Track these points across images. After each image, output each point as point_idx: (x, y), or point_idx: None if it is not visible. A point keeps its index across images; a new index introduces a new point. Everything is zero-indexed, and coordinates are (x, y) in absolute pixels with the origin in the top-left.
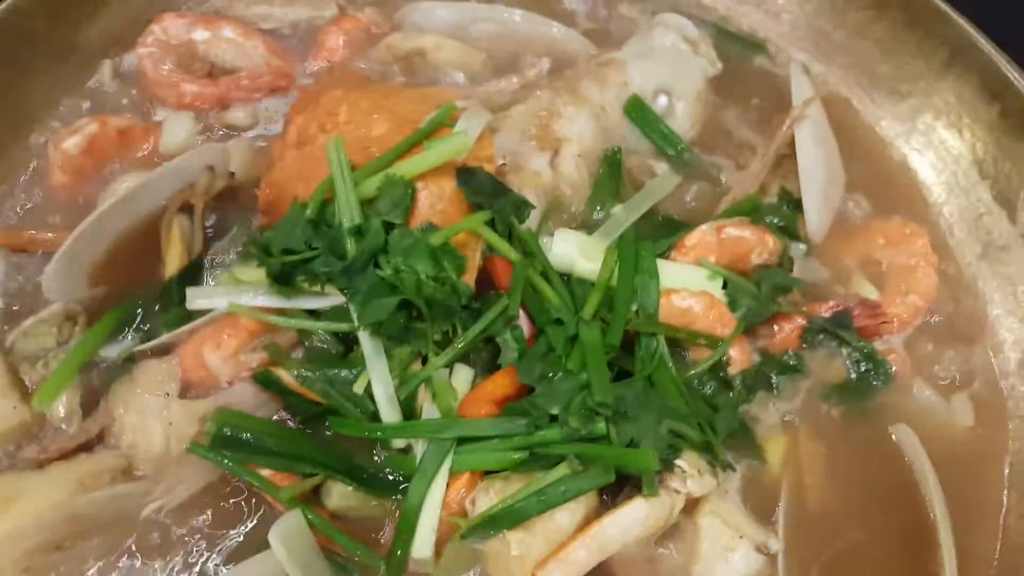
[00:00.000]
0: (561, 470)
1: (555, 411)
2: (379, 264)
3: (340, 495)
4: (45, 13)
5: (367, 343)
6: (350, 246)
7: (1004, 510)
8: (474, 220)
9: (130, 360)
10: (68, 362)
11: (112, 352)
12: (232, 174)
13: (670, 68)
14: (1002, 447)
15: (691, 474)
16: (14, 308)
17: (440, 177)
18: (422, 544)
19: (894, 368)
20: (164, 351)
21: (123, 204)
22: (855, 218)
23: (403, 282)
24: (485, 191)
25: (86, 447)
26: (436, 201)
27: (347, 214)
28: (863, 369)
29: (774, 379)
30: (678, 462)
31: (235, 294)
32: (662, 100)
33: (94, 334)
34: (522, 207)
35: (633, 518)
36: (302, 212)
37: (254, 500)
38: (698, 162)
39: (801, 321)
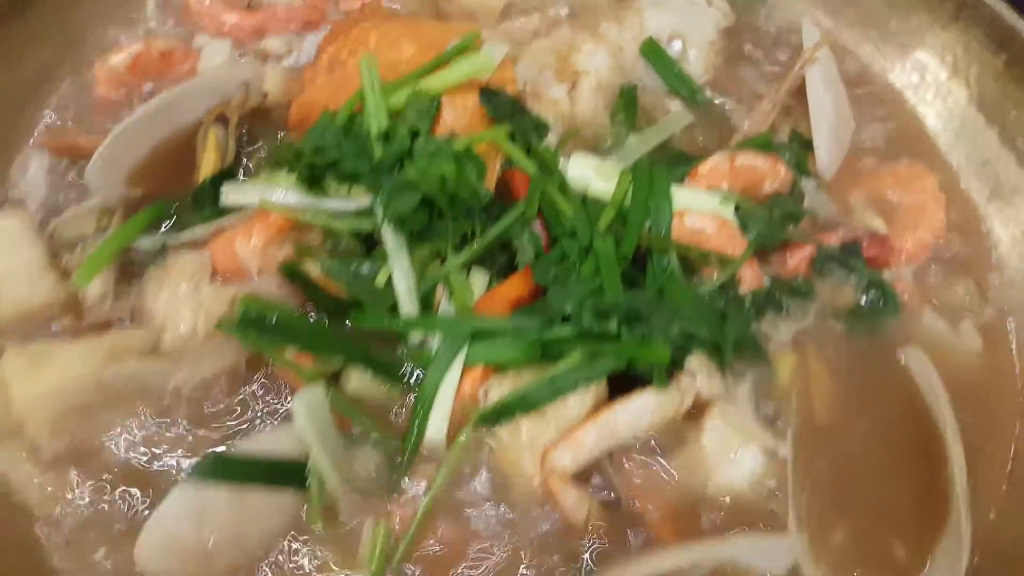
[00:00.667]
0: (573, 359)
1: (568, 310)
2: (404, 168)
3: (359, 381)
4: None
5: (390, 237)
6: (377, 150)
7: (1017, 431)
8: (495, 132)
9: (164, 251)
10: (107, 245)
11: (147, 243)
12: (265, 94)
13: (684, 17)
14: (1010, 373)
15: (700, 373)
16: (56, 204)
17: (464, 94)
18: (435, 429)
19: (903, 296)
20: (196, 246)
21: (162, 110)
22: (864, 162)
23: (426, 178)
24: (506, 110)
25: (118, 325)
26: (460, 115)
27: (375, 121)
28: (872, 297)
29: (784, 302)
30: (688, 362)
31: (267, 191)
32: (676, 45)
33: (132, 224)
34: (541, 127)
35: (642, 406)
36: (332, 120)
37: (275, 384)
38: (710, 104)
39: (811, 249)
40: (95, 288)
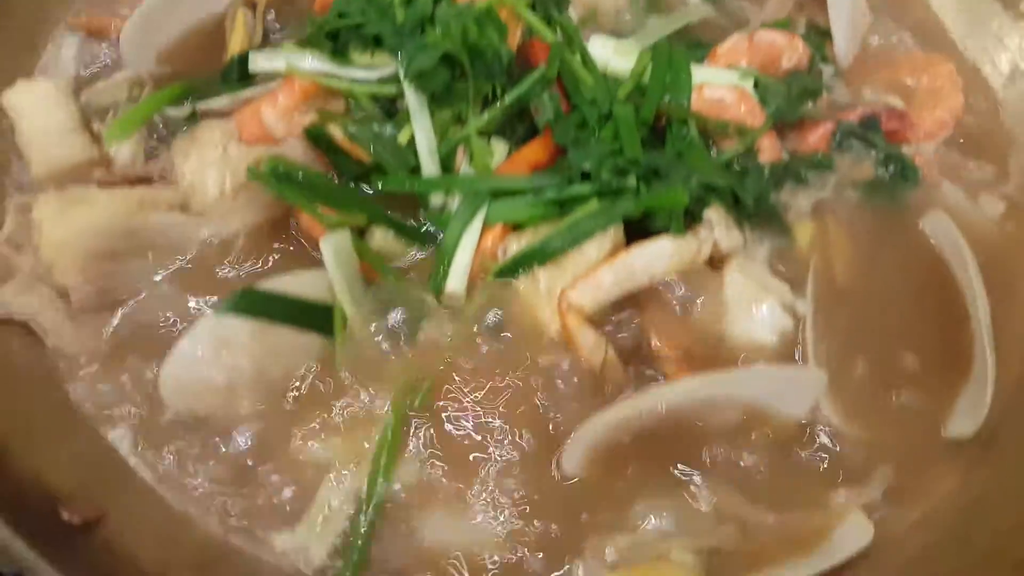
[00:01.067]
0: (590, 206)
1: (587, 168)
2: (426, 31)
3: (382, 238)
4: None
5: (412, 97)
6: (400, 13)
7: None
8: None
9: (192, 118)
10: (139, 108)
11: (177, 111)
12: None
13: None
14: None
15: (718, 224)
16: (88, 80)
17: None
18: (455, 280)
19: (922, 170)
20: (224, 115)
21: None
22: (882, 52)
23: (448, 36)
24: None
25: (147, 182)
26: None
27: None
28: (891, 170)
29: (803, 174)
30: (706, 213)
31: (293, 58)
32: None
33: (164, 93)
34: (561, 1)
35: (660, 250)
36: None
37: (300, 241)
38: (730, 3)
39: (830, 125)
40: (125, 150)
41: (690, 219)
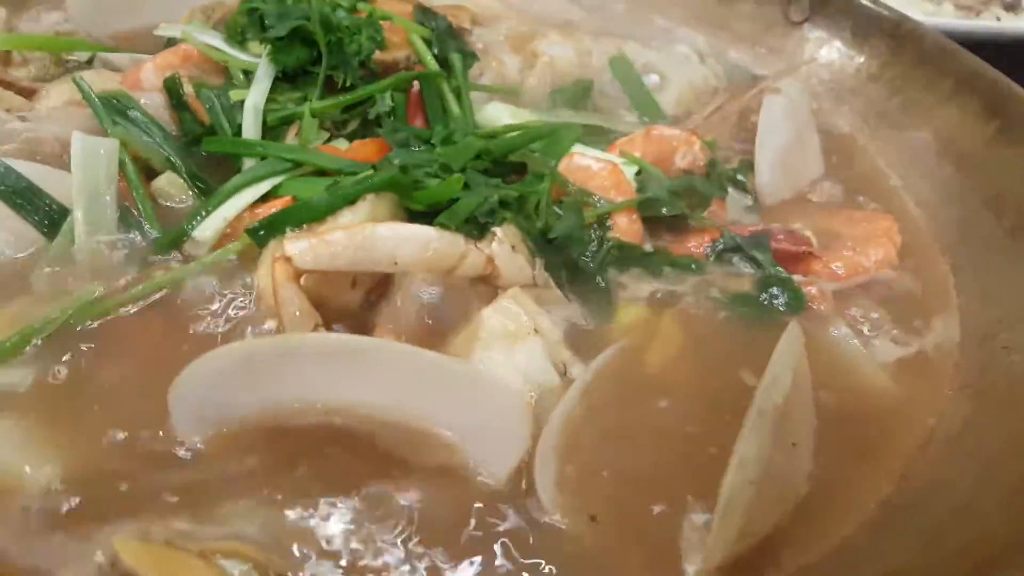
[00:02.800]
0: (364, 174)
1: (400, 163)
2: None
3: (168, 181)
4: None
5: (263, 64)
6: (291, 5)
7: (901, 473)
8: (409, 24)
9: (90, 64)
10: (41, 39)
11: (80, 58)
12: None
13: (669, 60)
14: (929, 407)
15: (503, 241)
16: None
17: (400, 3)
18: (208, 227)
19: (812, 303)
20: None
21: None
22: (821, 204)
23: (312, 9)
24: (439, 28)
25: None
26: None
27: None
28: (772, 292)
29: (660, 268)
30: (496, 228)
31: (191, 29)
32: (652, 78)
33: (66, 40)
34: (468, 56)
35: (414, 235)
36: None
37: None
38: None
39: (713, 233)
40: (21, 72)
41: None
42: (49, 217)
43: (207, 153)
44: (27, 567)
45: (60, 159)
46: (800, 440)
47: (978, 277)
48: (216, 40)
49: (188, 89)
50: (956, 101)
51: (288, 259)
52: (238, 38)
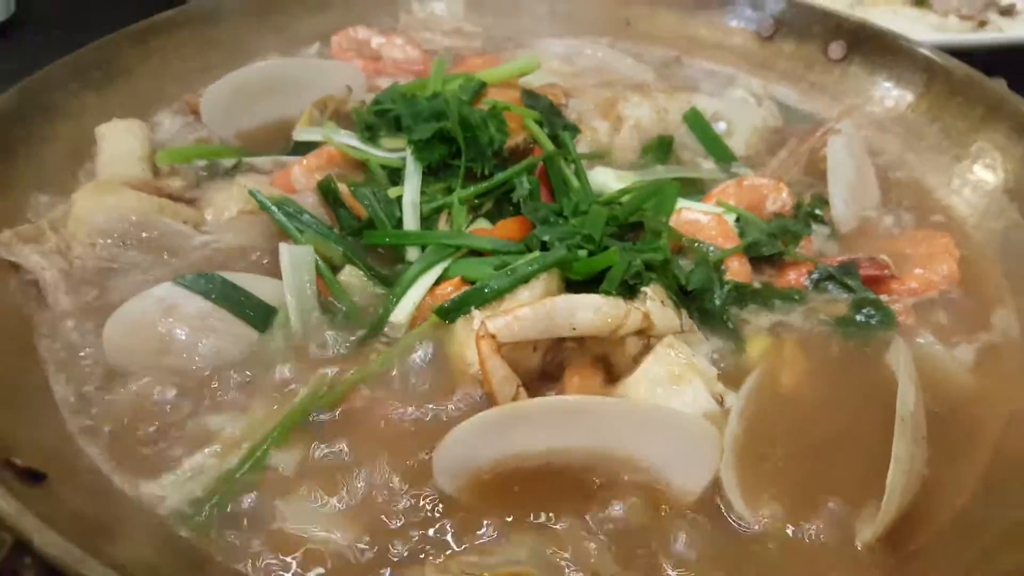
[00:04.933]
0: (530, 257)
1: (547, 239)
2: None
3: (350, 273)
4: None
5: (410, 162)
6: (423, 106)
7: (993, 451)
8: (524, 111)
9: (236, 169)
10: (196, 149)
11: (227, 163)
12: (363, 102)
13: (731, 107)
14: (1005, 395)
15: (653, 299)
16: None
17: (509, 90)
18: (401, 312)
19: (899, 317)
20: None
21: (276, 77)
22: (884, 229)
23: (449, 108)
24: (542, 107)
25: (175, 200)
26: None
27: (431, 89)
28: (866, 313)
29: (771, 301)
30: (645, 288)
31: (329, 132)
32: (720, 126)
33: (222, 148)
34: (570, 127)
35: (584, 303)
36: (398, 89)
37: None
38: (742, 174)
39: (809, 266)
40: (176, 183)
41: (630, 295)
42: (261, 317)
43: (367, 245)
44: None
45: (245, 265)
46: (924, 434)
47: None
48: (353, 140)
49: (342, 189)
50: (988, 125)
51: (492, 336)
52: (366, 135)
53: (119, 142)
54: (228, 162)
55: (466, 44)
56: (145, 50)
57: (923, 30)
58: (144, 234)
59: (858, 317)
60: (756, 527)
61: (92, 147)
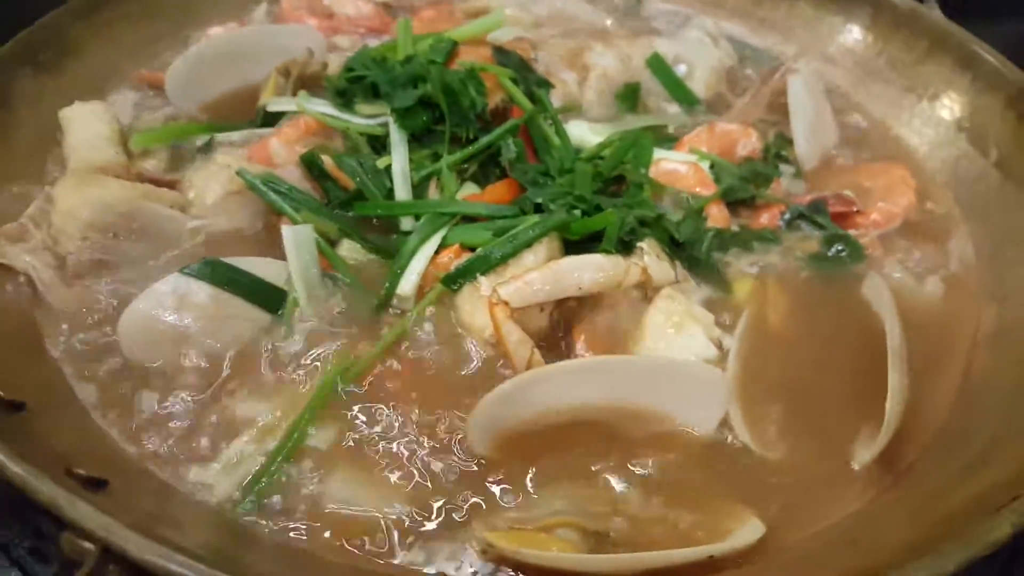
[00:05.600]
0: (530, 220)
1: (540, 201)
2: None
3: (349, 247)
4: None
5: (394, 132)
6: (397, 69)
7: (964, 368)
8: (500, 70)
9: (210, 145)
10: (167, 128)
11: (201, 141)
12: (325, 64)
13: (690, 48)
14: (968, 315)
15: (649, 253)
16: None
17: (479, 47)
18: (407, 284)
19: (868, 250)
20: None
21: (238, 47)
22: (843, 163)
23: (430, 76)
24: (514, 64)
25: (157, 183)
26: (473, 60)
27: (401, 50)
28: (837, 248)
29: (750, 244)
30: (640, 243)
31: (305, 102)
32: (680, 68)
33: (192, 125)
34: (543, 82)
35: (587, 262)
36: (368, 53)
37: (272, 245)
38: (706, 116)
39: (781, 207)
40: (150, 163)
41: (627, 251)
42: (272, 299)
43: (359, 216)
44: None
45: (240, 247)
46: (906, 360)
47: (977, 205)
48: (328, 108)
49: (326, 160)
50: (933, 58)
51: (505, 302)
52: (339, 101)
53: (86, 126)
54: (201, 139)
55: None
56: (91, 25)
57: None
58: (135, 224)
59: (830, 252)
60: (763, 456)
61: (57, 132)
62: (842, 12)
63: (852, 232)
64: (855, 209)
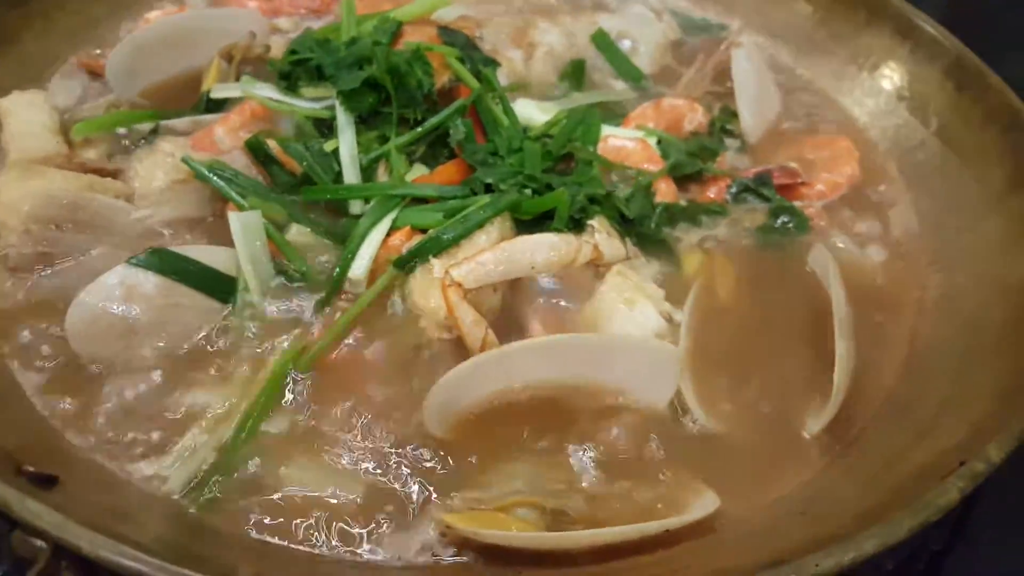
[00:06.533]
0: (481, 200)
1: (490, 181)
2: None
3: (298, 232)
4: None
5: (341, 114)
6: (342, 51)
7: (910, 336)
8: (446, 49)
9: (154, 134)
10: (108, 116)
11: (143, 127)
12: (268, 46)
13: (634, 24)
14: (912, 282)
15: (600, 231)
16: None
17: (425, 26)
18: (359, 267)
19: (812, 220)
20: (184, 135)
21: (178, 32)
22: (787, 135)
23: (375, 59)
24: (460, 43)
25: (102, 174)
26: (419, 40)
27: (344, 31)
28: (782, 219)
29: (698, 219)
30: (591, 221)
31: (248, 86)
32: (625, 43)
33: (134, 113)
34: (489, 61)
35: (540, 242)
36: (312, 35)
37: (219, 233)
38: (652, 91)
39: (727, 180)
40: (92, 152)
41: (578, 229)
42: (221, 288)
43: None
44: (377, 565)
45: (188, 235)
46: (852, 329)
47: (919, 174)
48: (272, 92)
49: (272, 145)
50: (872, 28)
51: (458, 283)
52: (283, 85)
53: (25, 116)
54: (145, 126)
55: None
56: (27, 12)
57: None
58: (79, 215)
59: (776, 224)
60: (715, 429)
61: None
62: None
63: (797, 203)
64: (799, 181)
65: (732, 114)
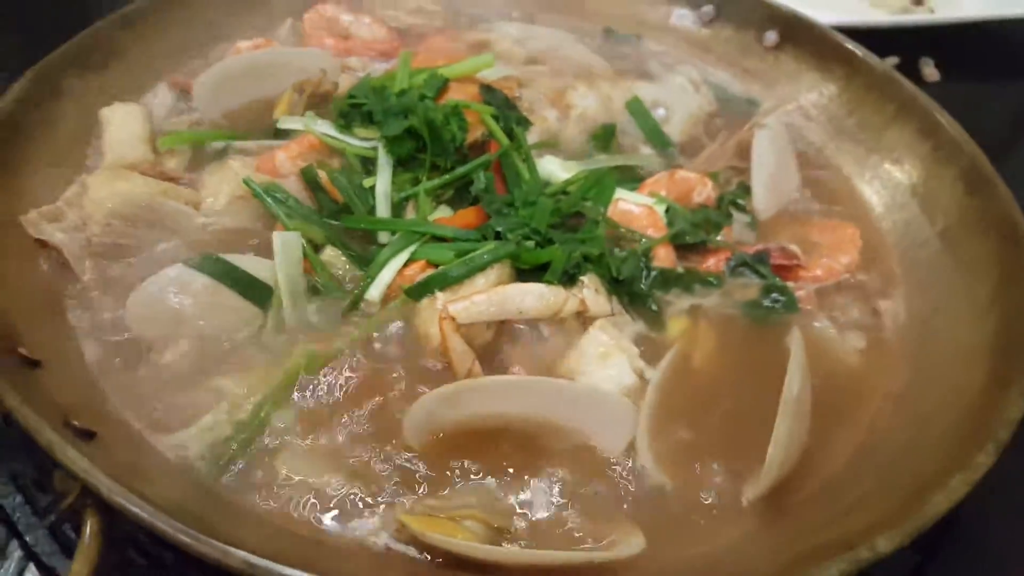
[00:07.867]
0: (486, 247)
1: (500, 229)
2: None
3: (331, 254)
4: None
5: (382, 156)
6: (392, 101)
7: (870, 424)
8: (483, 108)
9: (226, 151)
10: (193, 133)
11: (218, 145)
12: (336, 84)
13: (671, 93)
14: (885, 374)
15: (589, 287)
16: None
17: (469, 84)
18: (375, 290)
19: (802, 303)
20: (251, 156)
21: (260, 65)
22: (799, 216)
23: (416, 111)
24: (497, 101)
25: (176, 182)
26: (461, 96)
27: (398, 83)
28: (773, 296)
29: (693, 287)
30: (583, 277)
31: (310, 122)
32: (659, 112)
33: (214, 132)
34: (523, 121)
35: (530, 290)
36: (369, 83)
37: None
38: (676, 159)
39: (727, 253)
40: (174, 161)
41: (570, 282)
42: (258, 294)
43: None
44: (340, 545)
45: (239, 246)
46: (807, 410)
47: (916, 270)
48: (330, 129)
49: (322, 176)
50: (898, 123)
51: (453, 317)
52: (341, 123)
53: (123, 124)
54: (220, 144)
55: (427, 22)
56: (135, 33)
57: (855, 6)
58: (152, 216)
59: (765, 301)
60: (660, 480)
61: (96, 127)
62: (821, 69)
63: (791, 284)
64: (796, 263)
65: (747, 189)
